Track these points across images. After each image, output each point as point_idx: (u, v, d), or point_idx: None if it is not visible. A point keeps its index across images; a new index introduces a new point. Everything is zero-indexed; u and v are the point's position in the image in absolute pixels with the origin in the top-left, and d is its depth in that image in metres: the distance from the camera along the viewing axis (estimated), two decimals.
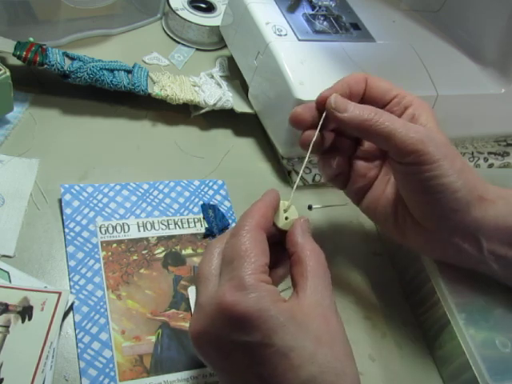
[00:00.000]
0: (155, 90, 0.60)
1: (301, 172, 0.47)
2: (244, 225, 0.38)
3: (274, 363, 0.35)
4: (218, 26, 0.69)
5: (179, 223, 0.52)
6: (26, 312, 0.42)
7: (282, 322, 0.35)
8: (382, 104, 0.47)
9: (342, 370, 0.35)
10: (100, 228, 0.49)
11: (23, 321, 0.42)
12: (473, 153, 0.68)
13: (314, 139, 0.45)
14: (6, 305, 0.42)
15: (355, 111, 0.43)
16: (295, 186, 0.45)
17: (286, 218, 0.42)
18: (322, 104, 0.45)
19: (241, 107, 0.63)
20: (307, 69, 0.57)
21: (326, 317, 0.36)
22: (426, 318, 0.51)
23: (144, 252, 0.49)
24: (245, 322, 0.35)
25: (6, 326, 0.41)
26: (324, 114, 0.45)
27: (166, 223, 0.52)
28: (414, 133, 0.42)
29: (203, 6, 0.73)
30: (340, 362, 0.35)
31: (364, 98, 0.47)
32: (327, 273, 0.39)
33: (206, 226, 0.52)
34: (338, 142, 0.48)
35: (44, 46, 0.56)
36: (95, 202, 0.51)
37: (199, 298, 0.37)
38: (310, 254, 0.39)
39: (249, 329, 0.35)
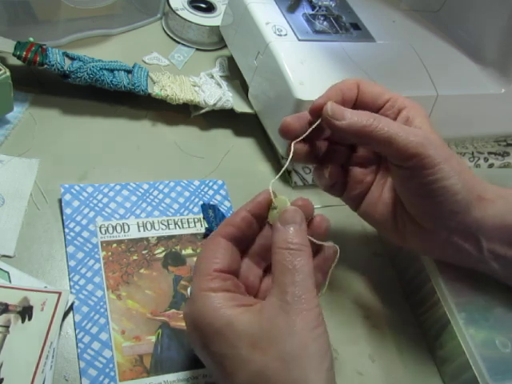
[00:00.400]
0: (155, 90, 0.60)
1: (275, 179, 0.45)
2: (208, 238, 0.41)
3: (213, 368, 0.38)
4: (218, 26, 0.69)
5: (179, 223, 0.52)
6: (25, 312, 0.42)
7: (217, 328, 0.36)
8: (375, 108, 0.46)
9: (275, 378, 0.34)
10: (100, 228, 0.49)
11: (23, 321, 0.42)
12: (473, 153, 0.68)
13: (292, 148, 0.44)
14: (6, 305, 0.42)
15: (353, 118, 0.42)
16: (284, 167, 0.46)
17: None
18: (316, 112, 0.44)
19: (241, 107, 0.63)
20: (307, 69, 0.57)
21: (273, 318, 0.36)
22: (426, 318, 0.51)
23: (144, 252, 0.49)
24: (190, 329, 0.38)
25: (6, 326, 0.41)
26: (318, 122, 0.44)
27: (166, 223, 0.52)
28: (414, 136, 0.41)
29: (203, 6, 0.73)
30: (272, 370, 0.34)
31: (356, 104, 0.46)
32: (302, 270, 0.37)
33: (206, 226, 0.52)
34: (331, 151, 0.48)
35: (44, 46, 0.56)
36: (95, 202, 0.51)
37: None
38: (275, 254, 0.38)
39: (193, 336, 0.38)
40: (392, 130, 0.42)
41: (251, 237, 0.42)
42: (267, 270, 0.43)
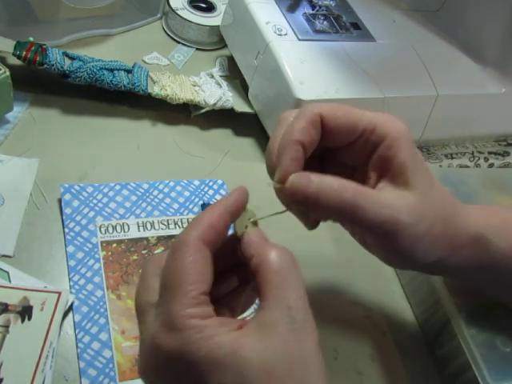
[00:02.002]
0: (155, 90, 0.60)
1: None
2: (184, 240, 0.32)
3: None
4: (218, 26, 0.69)
5: (179, 223, 0.52)
6: (25, 312, 0.42)
7: (216, 361, 0.30)
8: (346, 142, 0.39)
9: None
10: (100, 228, 0.49)
11: (23, 321, 0.42)
12: (473, 152, 0.68)
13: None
14: (6, 305, 0.42)
15: (320, 197, 0.36)
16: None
17: (246, 227, 0.35)
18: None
19: (241, 107, 0.63)
20: (307, 69, 0.57)
21: (284, 339, 0.31)
22: (426, 318, 0.51)
23: (144, 252, 0.49)
24: (176, 364, 0.31)
25: (6, 326, 0.41)
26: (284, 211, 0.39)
27: (165, 223, 0.52)
28: (382, 208, 0.37)
29: (203, 5, 0.73)
30: None
31: (324, 141, 0.39)
32: (290, 284, 0.32)
33: None
34: None
35: (44, 46, 0.56)
36: (95, 201, 0.51)
37: (140, 334, 0.33)
38: (268, 264, 0.33)
39: (181, 372, 0.31)
40: (361, 211, 0.36)
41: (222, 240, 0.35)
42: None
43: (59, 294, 0.44)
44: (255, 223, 0.36)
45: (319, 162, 0.42)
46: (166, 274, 0.32)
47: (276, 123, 0.40)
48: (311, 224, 0.40)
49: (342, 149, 0.40)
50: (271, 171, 0.38)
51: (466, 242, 0.41)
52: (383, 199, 0.37)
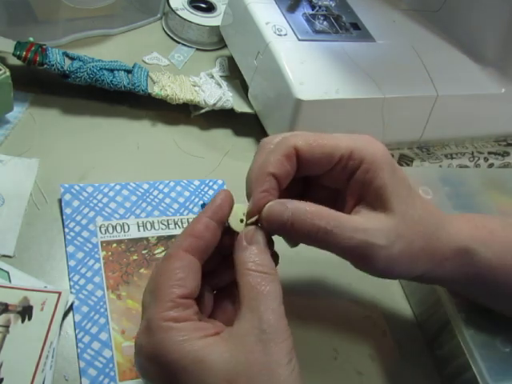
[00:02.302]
0: (155, 90, 0.60)
1: None
2: (168, 251, 0.36)
3: None
4: (218, 26, 0.69)
5: (179, 223, 0.52)
6: (25, 312, 0.42)
7: (184, 366, 0.32)
8: (324, 170, 0.40)
9: None
10: (100, 228, 0.49)
11: (23, 321, 0.42)
12: (473, 153, 0.68)
13: None
14: (6, 305, 0.42)
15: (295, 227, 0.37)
16: None
17: (242, 221, 0.38)
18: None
19: (241, 107, 0.63)
20: (307, 69, 0.57)
21: (250, 350, 0.32)
22: (426, 318, 0.51)
23: (144, 252, 0.49)
24: (152, 364, 0.33)
25: (6, 326, 0.41)
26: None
27: (165, 223, 0.52)
28: (353, 232, 0.37)
29: (203, 5, 0.73)
30: None
31: (301, 170, 0.39)
32: (270, 294, 0.34)
33: None
34: None
35: (44, 46, 0.56)
36: (95, 201, 0.51)
37: None
38: (246, 275, 0.35)
39: (151, 372, 0.34)
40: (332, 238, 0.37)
41: (214, 247, 0.37)
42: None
43: (59, 294, 0.44)
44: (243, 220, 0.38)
45: (303, 186, 0.43)
46: (151, 280, 0.35)
47: (257, 150, 0.41)
48: (292, 243, 0.41)
49: (322, 175, 0.40)
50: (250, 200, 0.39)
51: (449, 255, 0.42)
52: (356, 224, 0.38)
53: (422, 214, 0.40)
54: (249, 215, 0.38)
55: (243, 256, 0.36)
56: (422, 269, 0.41)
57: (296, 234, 0.37)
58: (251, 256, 0.36)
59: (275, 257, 0.39)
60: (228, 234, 0.38)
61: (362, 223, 0.38)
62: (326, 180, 0.41)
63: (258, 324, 0.33)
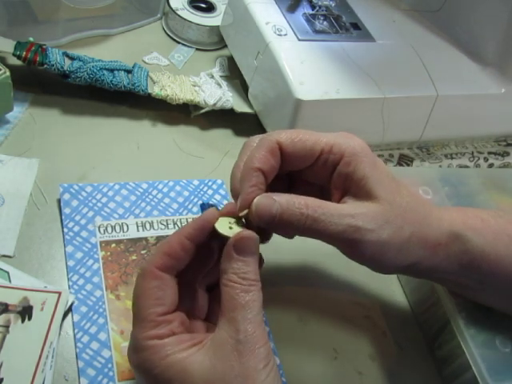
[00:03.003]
0: (155, 90, 0.60)
1: None
2: (143, 268, 0.38)
3: None
4: (218, 26, 0.69)
5: (178, 223, 0.52)
6: (25, 312, 0.42)
7: (169, 377, 0.34)
8: (307, 165, 0.41)
9: None
10: (99, 228, 0.49)
11: (23, 321, 0.42)
12: (473, 153, 0.68)
13: None
14: (6, 305, 0.42)
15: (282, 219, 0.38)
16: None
17: (231, 228, 0.39)
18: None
19: (241, 107, 0.63)
20: (307, 69, 0.57)
21: (227, 358, 0.34)
22: (426, 318, 0.51)
23: (143, 252, 0.49)
24: (140, 377, 0.36)
25: (6, 326, 0.41)
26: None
27: (165, 223, 0.52)
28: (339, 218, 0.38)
29: (203, 5, 0.73)
30: None
31: (285, 165, 0.41)
32: (251, 305, 0.36)
33: None
34: None
35: (44, 46, 0.57)
36: (94, 201, 0.51)
37: None
38: (226, 286, 0.36)
39: (144, 382, 0.36)
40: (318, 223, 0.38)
41: (187, 262, 0.39)
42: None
43: (59, 294, 0.44)
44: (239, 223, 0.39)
45: (288, 184, 0.44)
46: (133, 300, 0.38)
47: (241, 149, 0.42)
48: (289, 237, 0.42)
49: (305, 170, 0.42)
50: (235, 196, 0.40)
51: (442, 240, 0.42)
52: (343, 210, 0.39)
53: (410, 202, 0.41)
54: (239, 210, 0.39)
55: (227, 266, 0.37)
56: (415, 257, 0.41)
57: (285, 224, 0.38)
58: (234, 267, 0.37)
59: (260, 260, 0.40)
60: (217, 239, 0.39)
61: (349, 210, 0.39)
62: (310, 175, 0.42)
63: (234, 334, 0.35)
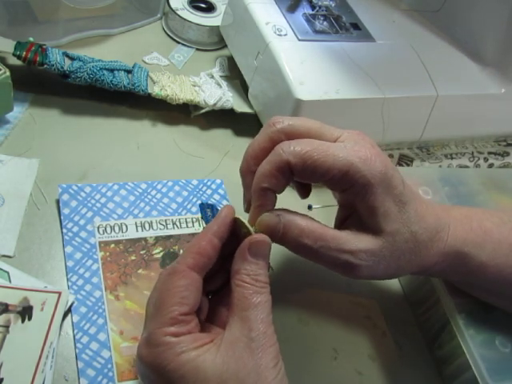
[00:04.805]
0: (155, 90, 0.60)
1: None
2: (173, 267, 0.38)
3: None
4: (218, 26, 0.69)
5: (177, 223, 0.52)
6: (25, 312, 0.42)
7: (182, 374, 0.35)
8: (318, 182, 0.42)
9: None
10: (98, 228, 0.49)
11: (23, 321, 0.42)
12: (473, 153, 0.68)
13: None
14: (6, 305, 0.42)
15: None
16: None
17: (243, 230, 0.40)
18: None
19: (241, 107, 0.63)
20: (307, 69, 0.57)
21: (240, 356, 0.35)
22: (426, 318, 0.51)
23: (142, 252, 0.49)
24: (151, 373, 0.36)
25: (6, 326, 0.41)
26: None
27: (164, 223, 0.52)
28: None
29: (203, 6, 0.73)
30: None
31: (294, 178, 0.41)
32: (261, 306, 0.37)
33: (204, 225, 0.52)
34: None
35: (44, 46, 0.57)
36: (93, 201, 0.51)
37: None
38: (240, 286, 0.38)
39: (154, 380, 0.36)
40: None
41: (215, 261, 0.40)
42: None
43: (59, 294, 0.44)
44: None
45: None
46: (155, 294, 0.38)
47: (263, 127, 0.43)
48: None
49: None
50: (246, 200, 0.43)
51: (439, 259, 0.43)
52: (344, 245, 0.40)
53: (415, 230, 0.41)
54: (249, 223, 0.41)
55: (240, 267, 0.38)
56: (411, 272, 0.44)
57: (287, 243, 0.40)
58: (247, 268, 0.38)
59: (268, 265, 0.41)
60: (228, 241, 0.40)
61: (350, 245, 0.40)
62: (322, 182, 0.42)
63: (247, 333, 0.36)
